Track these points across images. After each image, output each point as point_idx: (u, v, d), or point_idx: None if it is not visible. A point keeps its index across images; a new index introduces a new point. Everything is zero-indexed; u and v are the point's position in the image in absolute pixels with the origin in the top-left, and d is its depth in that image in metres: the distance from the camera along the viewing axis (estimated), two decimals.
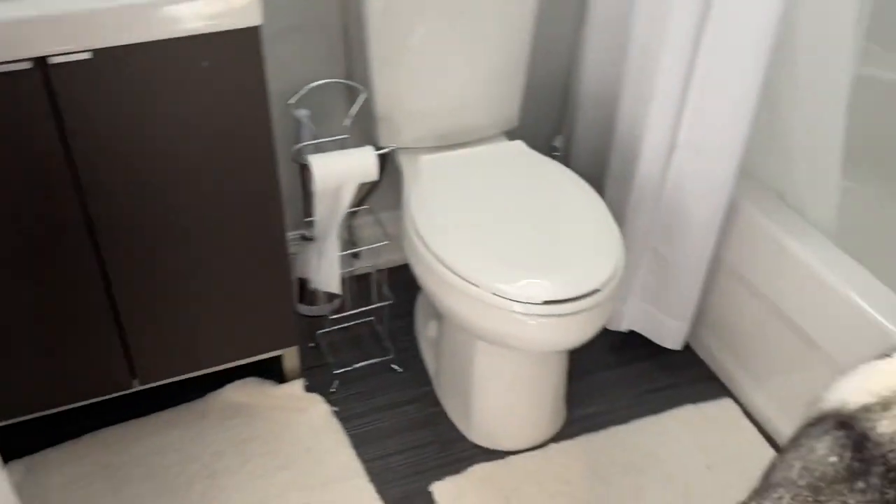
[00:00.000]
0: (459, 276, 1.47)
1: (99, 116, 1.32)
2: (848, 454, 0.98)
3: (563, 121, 2.20)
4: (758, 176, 1.79)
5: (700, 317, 1.95)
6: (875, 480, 0.95)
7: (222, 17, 1.29)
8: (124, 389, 1.66)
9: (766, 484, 1.04)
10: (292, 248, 1.82)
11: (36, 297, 1.45)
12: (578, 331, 1.46)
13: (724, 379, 1.93)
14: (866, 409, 1.02)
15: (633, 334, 2.02)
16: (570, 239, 1.55)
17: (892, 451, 0.96)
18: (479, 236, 1.54)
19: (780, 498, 0.98)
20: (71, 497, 1.63)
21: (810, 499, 0.96)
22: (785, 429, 1.74)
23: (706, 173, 1.69)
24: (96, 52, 1.25)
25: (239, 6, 1.29)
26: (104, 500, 1.62)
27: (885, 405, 1.01)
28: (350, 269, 1.93)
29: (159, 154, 1.39)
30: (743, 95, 1.57)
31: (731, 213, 1.76)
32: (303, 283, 2.03)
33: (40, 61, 1.23)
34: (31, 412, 1.61)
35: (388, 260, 2.08)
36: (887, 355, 1.08)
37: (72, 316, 1.49)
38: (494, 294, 1.43)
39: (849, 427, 1.01)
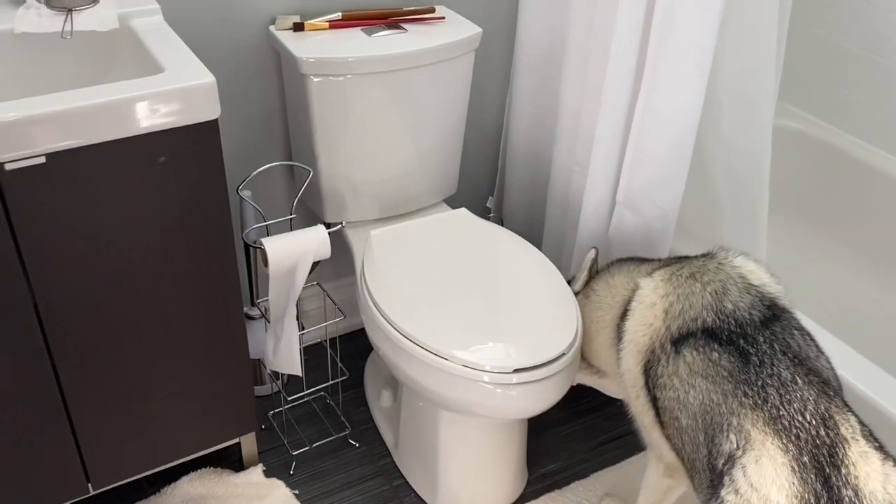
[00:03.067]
0: (426, 349, 1.48)
1: (52, 220, 1.27)
2: (714, 344, 1.23)
3: (495, 183, 2.26)
4: (690, 228, 1.89)
5: None
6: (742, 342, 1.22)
7: (180, 112, 1.28)
8: (79, 496, 1.58)
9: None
10: None
11: None
12: (548, 396, 1.49)
13: None
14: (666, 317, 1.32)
15: (578, 387, 2.07)
16: (529, 304, 1.59)
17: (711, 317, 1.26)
18: (441, 308, 1.56)
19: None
20: None
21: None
22: None
23: (645, 229, 1.77)
24: (50, 155, 1.22)
25: (197, 101, 1.28)
26: None
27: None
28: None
29: (114, 253, 1.36)
30: (677, 157, 1.67)
31: None
32: (255, 363, 2.00)
33: None
34: None
35: (333, 330, 2.07)
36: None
37: (25, 425, 1.42)
38: (464, 366, 1.45)
39: (682, 337, 1.27)
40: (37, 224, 1.26)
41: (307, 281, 1.86)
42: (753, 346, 1.21)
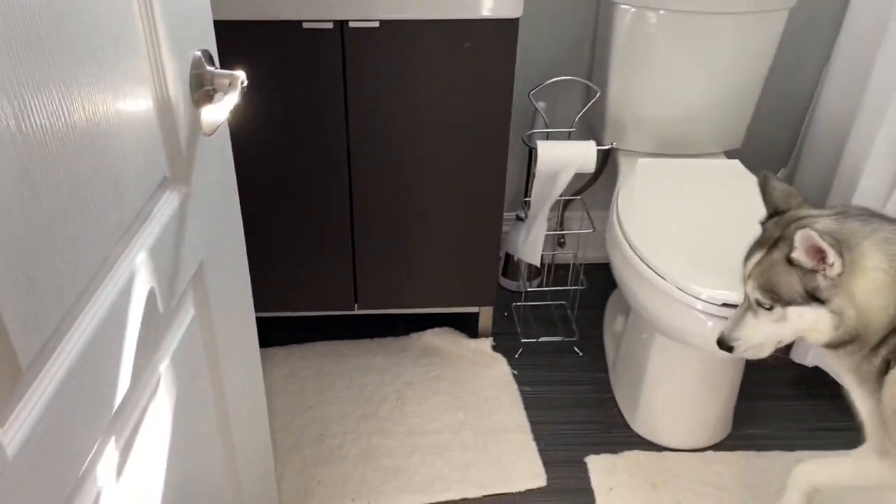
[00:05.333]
0: (651, 267, 1.60)
1: (373, 76, 1.60)
2: None
3: (791, 155, 2.24)
4: None
5: None
6: None
7: (489, 5, 1.52)
8: (346, 310, 1.95)
9: None
10: (506, 227, 2.04)
11: (296, 217, 1.77)
12: None
13: None
14: None
15: (817, 371, 2.03)
16: None
17: None
18: (676, 237, 1.66)
19: None
20: (287, 388, 1.95)
21: None
22: None
23: None
24: (383, 22, 1.53)
25: None
26: (311, 397, 1.93)
27: None
28: (553, 253, 2.12)
29: (413, 115, 1.66)
30: None
31: None
32: (508, 258, 2.25)
33: (340, 24, 1.52)
34: (274, 311, 1.95)
35: (590, 256, 2.24)
36: None
37: (320, 238, 1.80)
38: (679, 289, 1.55)
39: None
40: (362, 76, 1.60)
41: (575, 193, 2.05)
42: None
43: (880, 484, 1.49)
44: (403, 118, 1.66)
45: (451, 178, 1.75)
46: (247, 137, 1.55)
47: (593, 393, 2.00)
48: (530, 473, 1.78)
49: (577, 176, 1.90)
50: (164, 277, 0.89)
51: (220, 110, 0.91)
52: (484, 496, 1.72)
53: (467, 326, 2.12)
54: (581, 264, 2.17)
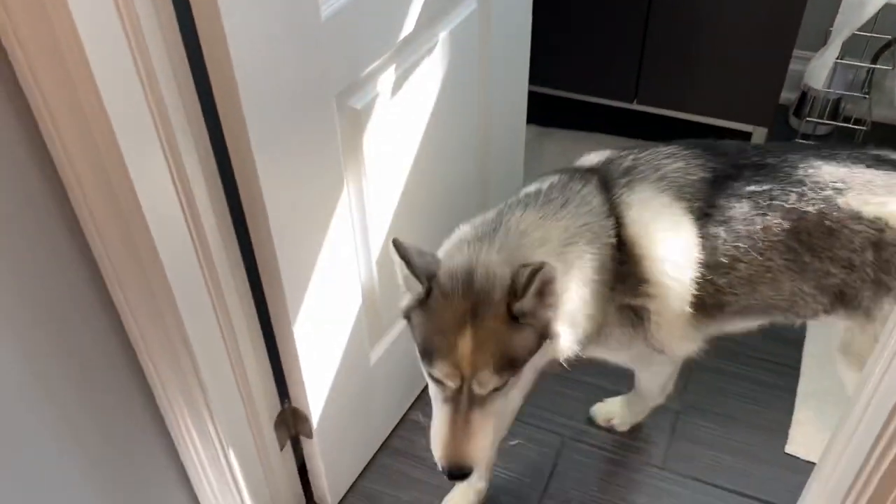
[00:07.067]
0: None
1: None
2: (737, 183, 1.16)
3: None
4: None
5: None
6: None
7: None
8: (625, 102, 2.12)
9: None
10: (803, 65, 2.03)
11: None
12: None
13: None
14: None
15: None
16: None
17: None
18: None
19: None
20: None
21: None
22: None
23: None
24: None
25: None
26: None
27: None
28: (848, 94, 2.06)
29: None
30: None
31: None
32: (803, 97, 2.22)
33: None
34: (555, 88, 2.17)
35: (884, 115, 2.15)
36: None
37: (613, 21, 1.96)
38: None
39: None
40: None
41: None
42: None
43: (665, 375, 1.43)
44: None
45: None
46: None
47: None
48: None
49: None
50: None
51: None
52: None
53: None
54: (867, 123, 2.09)
